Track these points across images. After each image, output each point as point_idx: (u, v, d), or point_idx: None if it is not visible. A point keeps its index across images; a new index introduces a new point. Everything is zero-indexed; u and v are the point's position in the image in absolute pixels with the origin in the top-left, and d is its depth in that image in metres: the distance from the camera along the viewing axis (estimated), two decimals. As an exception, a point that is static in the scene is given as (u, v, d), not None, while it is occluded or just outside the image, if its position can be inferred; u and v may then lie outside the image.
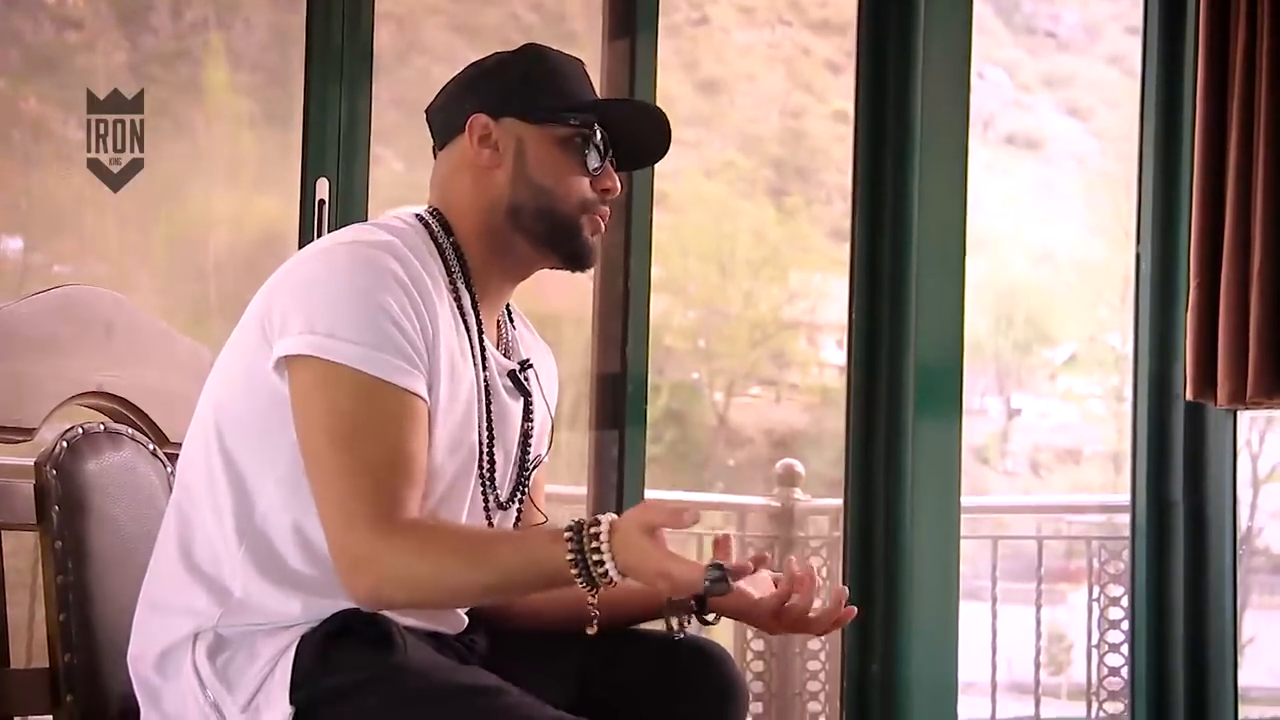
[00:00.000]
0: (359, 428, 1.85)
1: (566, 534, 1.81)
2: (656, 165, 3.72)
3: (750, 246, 10.57)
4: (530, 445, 2.11)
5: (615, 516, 1.84)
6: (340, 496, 1.84)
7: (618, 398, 3.68)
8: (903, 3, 4.04)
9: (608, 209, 2.09)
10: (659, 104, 3.74)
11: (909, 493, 3.95)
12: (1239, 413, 4.03)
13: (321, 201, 3.23)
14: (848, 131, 4.18)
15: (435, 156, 2.11)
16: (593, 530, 1.81)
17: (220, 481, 1.93)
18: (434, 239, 2.02)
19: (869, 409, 4.04)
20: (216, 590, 1.92)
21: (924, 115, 4.00)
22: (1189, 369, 3.92)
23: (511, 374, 2.08)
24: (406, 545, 1.84)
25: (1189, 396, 3.93)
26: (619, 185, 2.09)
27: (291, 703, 1.86)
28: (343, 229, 2.04)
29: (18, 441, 2.10)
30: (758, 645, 4.93)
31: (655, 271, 3.76)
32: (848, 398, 4.08)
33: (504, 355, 2.09)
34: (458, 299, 2.00)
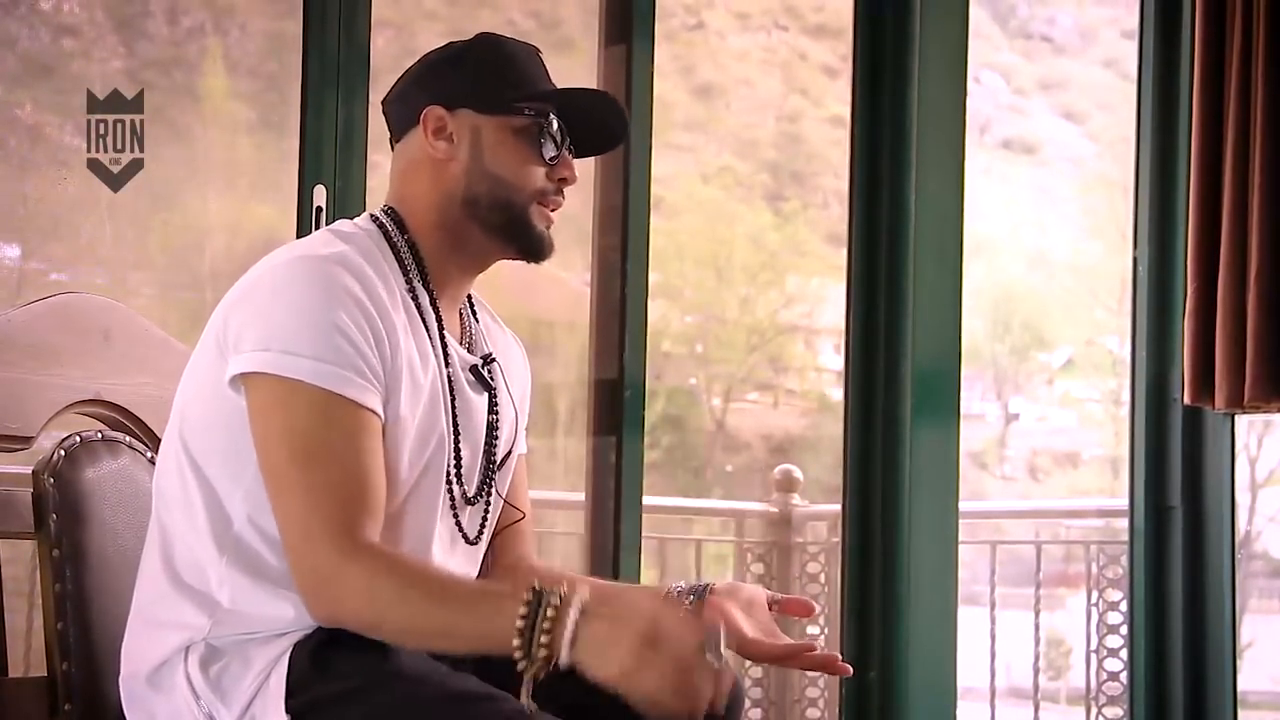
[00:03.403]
0: (317, 444, 1.84)
1: (526, 597, 1.75)
2: (653, 170, 3.74)
3: (747, 251, 10.59)
4: (496, 440, 2.09)
5: (586, 599, 1.76)
6: (300, 513, 1.83)
7: (615, 404, 3.67)
8: (899, 7, 4.04)
9: (562, 198, 2.07)
10: (656, 111, 3.75)
11: (907, 498, 3.95)
12: (1237, 417, 4.02)
13: (319, 208, 3.23)
14: (844, 136, 4.18)
15: (393, 149, 2.10)
16: (552, 604, 1.74)
17: (194, 494, 1.93)
18: (388, 239, 2.01)
19: (867, 414, 4.03)
20: (204, 602, 1.91)
21: (921, 119, 4.00)
22: (1186, 373, 3.91)
23: (474, 368, 2.07)
24: (367, 568, 1.81)
25: (1187, 400, 3.93)
26: (575, 174, 2.07)
27: (287, 710, 1.85)
28: (298, 240, 2.03)
29: (15, 449, 2.09)
30: (756, 651, 4.92)
31: (652, 277, 3.76)
32: (845, 403, 4.07)
33: (467, 349, 2.08)
34: (415, 297, 2.00)
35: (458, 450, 2.02)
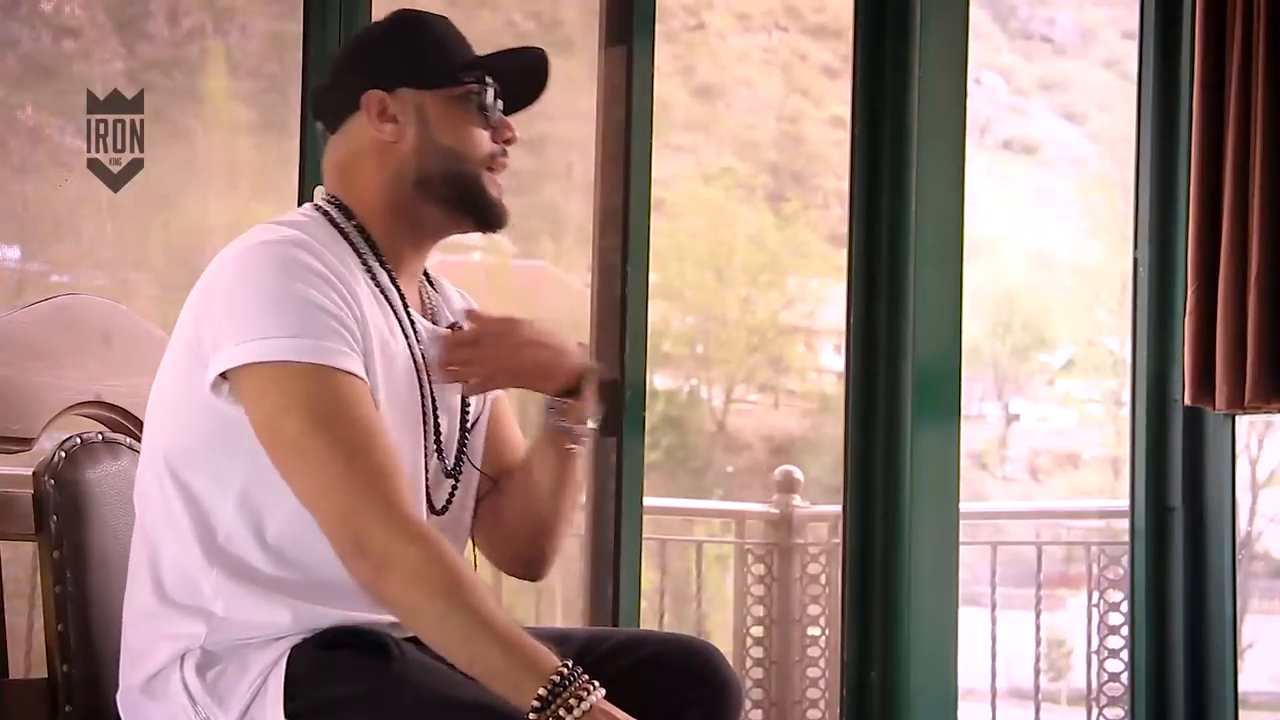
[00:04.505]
0: (320, 411, 1.84)
1: (553, 677, 1.77)
2: (654, 171, 3.73)
3: (748, 252, 10.59)
4: (468, 407, 2.10)
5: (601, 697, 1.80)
6: (339, 483, 1.82)
7: (615, 405, 3.67)
8: (899, 7, 4.04)
9: (507, 158, 2.08)
10: (657, 112, 3.75)
11: (908, 499, 3.95)
12: (1237, 417, 4.02)
13: (319, 209, 3.22)
14: (845, 136, 4.18)
15: (326, 141, 2.09)
16: (576, 695, 1.78)
17: (176, 507, 1.91)
18: (335, 225, 2.00)
19: (867, 414, 4.03)
20: (198, 614, 1.89)
21: (921, 120, 4.00)
22: (1187, 373, 3.91)
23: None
24: (420, 555, 1.80)
25: (1187, 401, 3.93)
26: (516, 132, 2.09)
27: (286, 714, 1.84)
28: (246, 233, 2.01)
29: (16, 451, 2.09)
30: (757, 653, 4.93)
31: (652, 277, 3.76)
32: (846, 403, 4.07)
33: (431, 322, 2.08)
34: (374, 277, 1.99)
35: (437, 421, 2.02)
